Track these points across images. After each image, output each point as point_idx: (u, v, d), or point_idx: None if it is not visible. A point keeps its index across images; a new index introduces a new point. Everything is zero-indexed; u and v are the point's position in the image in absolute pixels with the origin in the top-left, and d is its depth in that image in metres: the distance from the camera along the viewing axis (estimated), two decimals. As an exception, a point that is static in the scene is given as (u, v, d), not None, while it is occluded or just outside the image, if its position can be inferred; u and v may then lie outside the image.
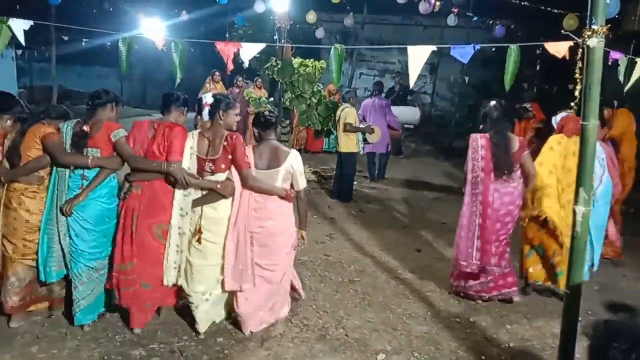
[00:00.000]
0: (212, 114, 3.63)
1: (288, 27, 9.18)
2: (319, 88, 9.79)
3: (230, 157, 3.58)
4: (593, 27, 2.69)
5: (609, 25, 2.76)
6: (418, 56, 4.16)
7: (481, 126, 4.44)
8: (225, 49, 4.38)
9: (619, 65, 4.51)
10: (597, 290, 4.94)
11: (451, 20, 11.59)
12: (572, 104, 3.13)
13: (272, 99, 9.98)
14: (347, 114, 7.70)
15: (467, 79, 15.12)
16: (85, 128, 3.53)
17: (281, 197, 3.68)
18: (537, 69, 13.65)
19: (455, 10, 11.46)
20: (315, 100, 9.51)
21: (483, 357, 3.67)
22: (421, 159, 11.88)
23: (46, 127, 3.61)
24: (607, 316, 4.43)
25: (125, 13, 14.31)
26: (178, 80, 4.46)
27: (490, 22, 12.24)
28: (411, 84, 4.35)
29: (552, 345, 3.82)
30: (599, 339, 1.27)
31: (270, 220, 3.68)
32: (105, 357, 3.43)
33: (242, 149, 3.59)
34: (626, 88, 4.55)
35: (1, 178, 3.55)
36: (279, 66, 9.30)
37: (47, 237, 3.60)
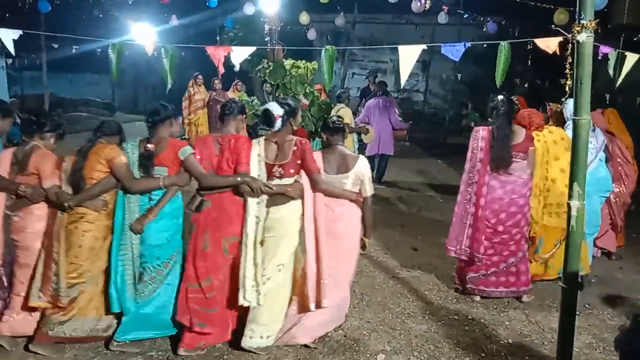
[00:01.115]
0: (283, 124, 3.59)
1: (279, 29, 9.16)
2: (311, 89, 9.77)
3: (299, 162, 3.56)
4: (582, 22, 2.70)
5: (598, 20, 2.77)
6: (409, 55, 4.16)
7: (489, 119, 4.49)
8: (216, 53, 4.38)
9: (609, 59, 4.53)
10: (594, 284, 4.96)
11: (442, 18, 11.60)
12: (563, 99, 3.14)
13: (254, 99, 9.93)
14: (344, 114, 7.70)
15: (459, 76, 15.16)
16: (150, 147, 3.43)
17: (351, 201, 3.69)
18: (529, 64, 13.70)
19: (446, 8, 11.47)
20: (308, 101, 9.48)
21: (482, 354, 3.68)
22: (415, 157, 11.89)
23: (110, 148, 3.47)
24: (604, 309, 4.45)
25: (115, 19, 14.26)
26: (169, 86, 4.44)
27: (482, 19, 12.27)
28: (402, 82, 4.35)
29: (551, 339, 3.83)
30: (628, 331, 1.27)
31: (338, 223, 3.69)
32: (104, 366, 3.42)
33: (312, 153, 3.61)
34: (618, 83, 4.57)
35: (67, 204, 3.38)
36: (271, 68, 9.28)
37: (122, 265, 3.46)
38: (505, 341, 3.87)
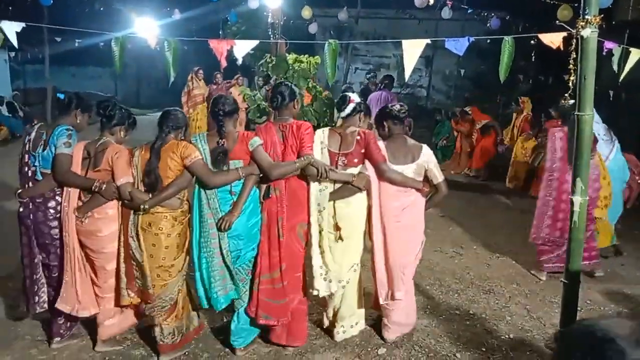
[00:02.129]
0: (352, 112, 3.60)
1: (282, 23, 9.14)
2: (314, 84, 9.76)
3: (363, 151, 3.52)
4: (586, 17, 2.69)
5: (602, 15, 2.76)
6: (413, 50, 4.16)
7: (559, 121, 4.95)
8: (219, 47, 4.37)
9: (613, 55, 4.52)
10: (596, 281, 4.95)
11: (446, 13, 11.54)
12: (567, 94, 3.13)
13: (257, 93, 9.88)
14: None
15: (462, 71, 15.13)
16: (223, 143, 3.32)
17: (417, 190, 3.63)
18: (532, 60, 13.66)
19: (450, 3, 11.42)
20: (311, 96, 9.48)
21: (483, 349, 3.69)
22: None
23: (184, 145, 3.30)
24: (606, 305, 4.46)
25: (118, 12, 14.25)
26: (172, 79, 4.43)
27: (485, 14, 12.22)
28: (406, 77, 4.34)
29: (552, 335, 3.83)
30: (559, 351, 1.28)
31: (406, 214, 3.60)
32: (107, 358, 3.43)
33: (376, 143, 3.55)
34: (621, 78, 4.57)
35: (145, 206, 3.21)
36: (273, 62, 9.27)
37: (206, 261, 3.36)
38: (507, 336, 3.88)
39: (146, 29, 9.39)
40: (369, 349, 3.63)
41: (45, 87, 14.14)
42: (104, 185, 3.27)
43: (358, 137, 3.51)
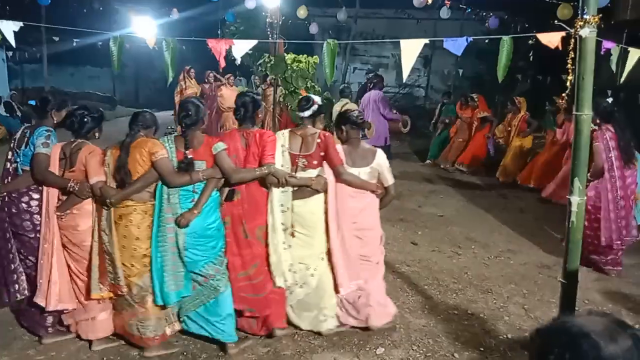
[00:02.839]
0: (314, 114, 3.77)
1: (280, 23, 9.13)
2: (312, 84, 9.75)
3: (322, 153, 3.67)
4: (585, 17, 2.69)
5: (601, 15, 2.76)
6: (411, 50, 4.15)
7: (597, 120, 4.96)
8: (217, 46, 4.36)
9: (611, 54, 4.52)
10: (594, 280, 4.96)
11: (444, 12, 11.57)
12: (564, 94, 3.13)
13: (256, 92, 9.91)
14: (350, 109, 7.70)
15: (461, 71, 15.13)
16: (189, 153, 3.41)
17: (371, 192, 3.80)
18: (531, 60, 13.66)
19: (448, 2, 11.43)
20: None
21: (481, 349, 3.69)
22: (416, 153, 11.88)
23: (153, 142, 3.44)
24: (604, 305, 4.46)
25: (116, 12, 14.25)
26: (170, 79, 4.43)
27: (484, 14, 12.24)
28: (404, 77, 4.34)
29: (550, 335, 3.83)
30: (535, 349, 1.29)
31: (362, 214, 3.78)
32: (105, 358, 3.42)
33: (335, 146, 3.71)
34: (622, 78, 4.57)
35: (112, 200, 3.35)
36: (272, 62, 9.27)
37: (161, 255, 3.42)
38: (504, 336, 3.88)
39: (144, 28, 9.38)
40: (368, 349, 3.63)
41: (43, 86, 14.13)
42: (78, 186, 3.42)
43: (319, 140, 3.67)
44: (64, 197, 3.52)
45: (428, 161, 10.77)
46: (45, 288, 3.48)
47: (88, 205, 3.50)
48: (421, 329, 3.93)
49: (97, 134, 3.64)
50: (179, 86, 10.25)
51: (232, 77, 10.78)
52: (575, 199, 2.82)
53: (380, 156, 3.81)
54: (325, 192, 3.72)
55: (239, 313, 3.64)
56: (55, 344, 3.57)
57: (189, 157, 3.42)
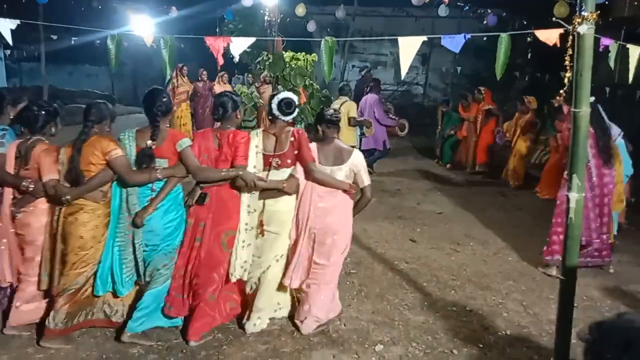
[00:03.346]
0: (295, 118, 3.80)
1: (278, 21, 9.13)
2: (311, 82, 9.75)
3: (296, 152, 3.65)
4: (583, 13, 2.69)
5: (599, 12, 2.76)
6: (409, 47, 4.13)
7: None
8: (215, 44, 4.36)
9: (609, 51, 4.51)
10: (593, 276, 4.97)
11: (442, 10, 11.58)
12: (562, 91, 3.13)
13: (254, 91, 9.85)
14: (350, 107, 7.70)
15: (459, 69, 15.14)
16: (150, 143, 3.39)
17: (344, 191, 3.74)
18: (529, 57, 13.66)
19: (446, 0, 11.43)
20: (308, 94, 9.48)
21: (480, 345, 3.70)
22: (414, 150, 11.89)
23: (106, 140, 3.39)
24: (602, 301, 4.47)
25: (114, 10, 14.21)
26: (168, 77, 4.43)
27: (482, 11, 12.24)
28: (402, 75, 4.33)
29: (548, 331, 3.84)
30: (593, 342, 1.26)
31: (330, 216, 3.72)
32: (104, 356, 3.43)
33: (308, 143, 3.69)
34: (630, 77, 4.51)
35: (67, 198, 3.35)
36: (270, 60, 9.27)
37: (118, 249, 3.47)
38: (503, 332, 3.89)
39: (142, 26, 9.37)
40: (367, 346, 3.64)
41: (41, 85, 14.10)
42: (32, 185, 3.44)
43: (292, 138, 3.65)
44: (19, 196, 3.52)
45: (447, 165, 10.32)
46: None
47: (43, 204, 3.53)
48: (420, 325, 3.94)
49: (53, 129, 3.63)
50: (170, 84, 10.18)
51: (225, 75, 10.75)
52: (574, 196, 2.82)
53: (357, 156, 3.76)
54: (297, 193, 3.72)
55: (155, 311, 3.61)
56: (65, 341, 3.53)
57: (150, 148, 3.38)
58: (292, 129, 3.70)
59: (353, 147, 7.71)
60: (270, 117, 3.76)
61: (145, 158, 3.40)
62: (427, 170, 9.91)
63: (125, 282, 3.52)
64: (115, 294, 3.58)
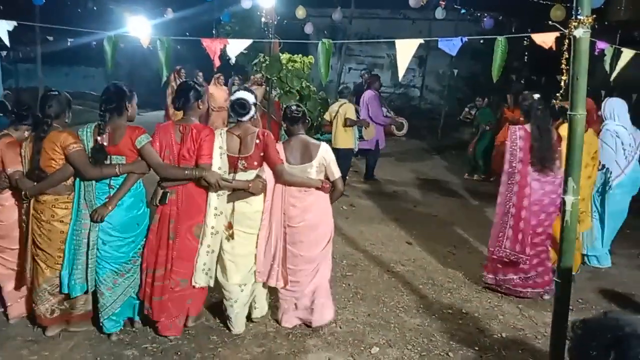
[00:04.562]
0: (252, 117, 3.66)
1: (275, 23, 9.13)
2: (307, 84, 9.75)
3: (262, 154, 3.58)
4: (579, 17, 2.70)
5: (595, 15, 2.77)
6: (406, 50, 4.15)
7: (521, 118, 4.49)
8: (212, 46, 4.35)
9: (605, 55, 4.54)
10: (588, 279, 4.99)
11: (439, 13, 11.59)
12: (558, 94, 3.14)
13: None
14: (347, 109, 7.69)
15: (456, 71, 15.14)
16: (100, 140, 3.34)
17: (317, 189, 3.70)
18: (526, 60, 13.71)
19: (443, 3, 11.46)
20: (305, 95, 9.47)
21: (476, 348, 3.70)
22: (411, 152, 11.90)
23: (65, 135, 3.37)
24: (597, 304, 4.48)
25: (111, 12, 14.19)
26: (164, 78, 4.42)
27: (478, 14, 12.27)
28: (400, 76, 4.34)
29: (544, 334, 3.85)
30: (577, 339, 1.27)
31: (309, 213, 3.70)
32: (98, 358, 3.41)
33: (274, 145, 3.62)
34: (612, 76, 4.57)
35: (27, 194, 3.41)
36: (267, 62, 9.26)
37: (73, 248, 3.45)
38: (499, 335, 3.89)
39: (139, 28, 9.36)
40: (362, 348, 3.64)
41: (37, 86, 14.05)
42: None
43: (257, 140, 3.56)
44: None
45: (477, 176, 9.50)
46: None
47: (7, 201, 3.63)
48: (416, 328, 3.94)
49: (26, 134, 3.66)
50: (169, 87, 10.15)
51: (221, 77, 10.71)
52: (570, 199, 2.82)
53: (325, 149, 3.68)
54: (265, 193, 3.67)
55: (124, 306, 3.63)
56: (47, 344, 3.54)
57: (100, 143, 3.34)
58: (257, 130, 3.61)
59: (351, 149, 7.82)
60: (231, 118, 3.74)
61: (97, 154, 3.34)
62: (424, 172, 9.91)
63: (77, 285, 3.47)
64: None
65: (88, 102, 16.58)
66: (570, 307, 3.02)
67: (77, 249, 3.45)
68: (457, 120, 10.59)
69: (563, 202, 2.86)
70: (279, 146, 3.69)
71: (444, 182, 9.26)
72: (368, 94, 8.78)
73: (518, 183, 4.37)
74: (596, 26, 2.88)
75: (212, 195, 3.55)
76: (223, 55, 4.55)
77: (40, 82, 13.97)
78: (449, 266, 5.20)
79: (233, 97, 3.64)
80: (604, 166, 5.02)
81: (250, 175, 3.60)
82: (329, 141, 3.97)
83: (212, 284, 3.70)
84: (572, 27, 2.72)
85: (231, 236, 3.63)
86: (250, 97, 3.61)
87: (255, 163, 3.59)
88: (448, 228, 6.47)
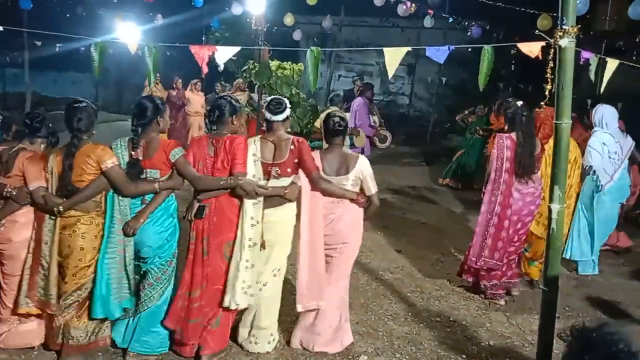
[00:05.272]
0: (287, 118, 3.59)
1: (265, 30, 9.14)
2: (297, 91, 9.76)
3: (296, 161, 3.49)
4: (564, 27, 2.73)
5: (580, 25, 2.80)
6: (394, 57, 4.18)
7: (506, 126, 4.49)
8: (200, 52, 4.35)
9: (590, 65, 4.59)
10: (574, 287, 5.02)
11: (428, 22, 11.68)
12: (542, 103, 3.17)
13: (240, 100, 9.89)
14: None
15: (444, 79, 15.26)
16: (135, 154, 3.28)
17: (351, 201, 3.60)
18: (512, 69, 13.82)
19: (431, 11, 11.54)
20: (295, 102, 9.49)
21: (464, 356, 3.70)
22: (399, 160, 11.93)
23: (101, 149, 3.25)
24: (584, 311, 4.51)
25: (100, 17, 14.14)
26: (152, 85, 4.41)
27: (466, 23, 12.36)
28: (390, 75, 4.35)
29: (531, 341, 3.86)
30: (572, 349, 1.27)
31: (340, 222, 3.60)
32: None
33: (310, 152, 3.53)
34: (601, 89, 4.59)
35: (59, 208, 3.19)
36: (257, 69, 9.27)
37: (107, 266, 3.30)
38: (486, 343, 3.90)
39: (127, 34, 9.33)
40: (351, 357, 3.62)
41: (24, 92, 13.92)
42: (15, 192, 3.29)
43: (292, 147, 3.48)
44: (0, 206, 3.37)
45: (450, 181, 9.47)
46: None
47: (22, 217, 3.37)
48: (404, 336, 3.93)
49: (41, 146, 3.51)
50: (144, 93, 10.06)
51: (199, 83, 10.63)
52: (556, 207, 2.85)
53: (363, 162, 3.60)
54: (299, 201, 3.56)
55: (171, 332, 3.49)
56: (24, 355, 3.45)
57: (135, 158, 3.28)
58: (291, 137, 3.53)
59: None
60: (266, 124, 3.62)
61: (132, 169, 3.28)
62: (412, 180, 9.94)
63: (115, 302, 3.35)
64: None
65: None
66: (557, 315, 3.03)
67: (112, 266, 3.33)
68: (446, 127, 10.54)
69: (549, 210, 2.89)
70: (315, 154, 3.61)
71: (432, 189, 9.29)
72: (358, 102, 8.75)
73: (502, 193, 4.37)
74: (581, 36, 2.91)
75: (248, 204, 3.40)
76: (212, 62, 4.54)
77: (27, 87, 13.86)
78: (437, 274, 5.20)
79: (269, 98, 3.65)
80: (594, 172, 5.05)
81: (284, 182, 3.49)
82: (319, 148, 3.90)
83: (252, 303, 3.49)
84: (558, 36, 2.75)
85: (263, 246, 3.49)
86: (285, 99, 3.63)
87: (289, 170, 3.49)
88: (437, 235, 6.49)
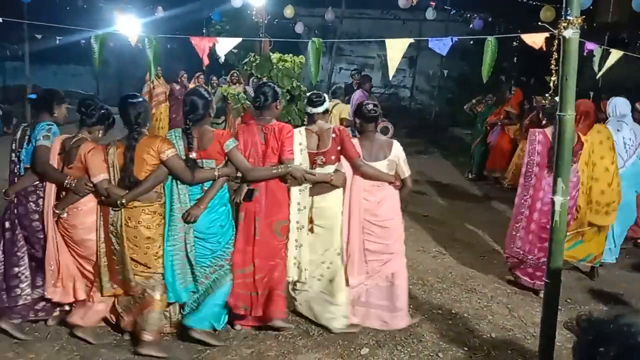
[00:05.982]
0: (327, 110, 3.90)
1: (266, 22, 9.10)
2: (298, 83, 9.72)
3: (339, 148, 3.71)
4: (568, 18, 2.71)
5: (584, 16, 2.78)
6: (396, 49, 4.15)
7: (544, 122, 4.60)
8: (200, 44, 4.32)
9: (594, 56, 4.56)
10: (577, 279, 5.01)
11: (430, 14, 11.63)
12: (547, 94, 3.15)
13: (240, 93, 9.83)
14: (342, 109, 7.67)
15: (446, 72, 15.22)
16: (191, 154, 3.39)
17: (390, 184, 3.82)
18: (515, 61, 13.78)
19: (433, 3, 11.50)
20: (296, 95, 9.45)
21: (466, 348, 3.70)
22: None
23: (161, 140, 3.37)
24: (586, 304, 4.50)
25: (100, 10, 14.09)
26: (152, 77, 4.39)
27: (469, 15, 12.32)
28: (390, 76, 4.34)
29: (533, 334, 3.86)
30: (584, 341, 1.21)
31: (382, 207, 3.81)
32: (85, 360, 3.38)
33: (350, 139, 3.76)
34: (599, 75, 4.62)
35: (122, 201, 3.28)
36: (257, 61, 9.22)
37: (171, 254, 3.43)
38: (488, 335, 3.90)
39: (127, 26, 9.30)
40: (352, 349, 3.62)
41: (25, 84, 13.89)
42: (74, 183, 3.37)
43: (334, 135, 3.70)
44: (63, 196, 3.49)
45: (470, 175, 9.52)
46: (55, 282, 3.53)
47: (84, 206, 3.46)
48: (406, 329, 3.93)
49: (100, 132, 3.62)
50: (146, 87, 9.95)
51: (202, 76, 10.64)
52: (559, 199, 2.83)
53: (397, 148, 3.83)
54: (344, 187, 3.77)
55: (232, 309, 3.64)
56: (34, 346, 3.50)
57: (191, 158, 3.39)
58: (332, 126, 3.78)
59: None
60: (307, 117, 3.86)
61: (190, 167, 3.39)
62: (414, 172, 9.90)
63: (180, 287, 3.47)
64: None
65: (76, 100, 16.43)
66: (559, 308, 3.02)
67: (175, 254, 3.44)
68: (450, 120, 10.49)
69: (552, 203, 2.87)
70: (355, 141, 3.81)
71: (434, 182, 9.28)
72: (357, 95, 8.78)
73: (534, 186, 4.51)
74: (585, 27, 2.88)
75: (294, 191, 3.66)
76: (213, 54, 4.52)
77: (28, 80, 13.83)
78: (439, 266, 5.20)
79: (308, 93, 3.90)
80: None
81: (329, 169, 3.71)
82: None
83: (303, 278, 3.73)
84: (562, 27, 2.72)
85: (311, 230, 3.74)
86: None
87: (333, 157, 3.70)
88: (438, 228, 6.48)
